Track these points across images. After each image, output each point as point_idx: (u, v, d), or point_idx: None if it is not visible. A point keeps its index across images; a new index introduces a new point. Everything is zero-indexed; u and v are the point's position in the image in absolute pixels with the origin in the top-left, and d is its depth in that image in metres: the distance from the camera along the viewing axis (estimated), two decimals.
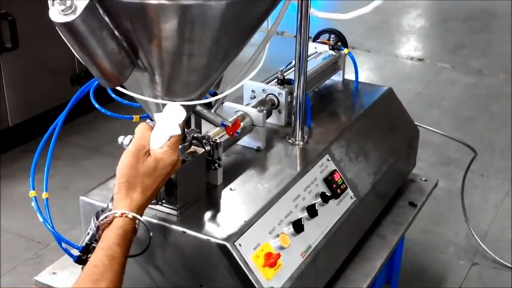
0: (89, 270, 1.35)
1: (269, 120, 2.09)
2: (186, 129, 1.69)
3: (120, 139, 1.64)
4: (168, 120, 1.47)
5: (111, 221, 1.41)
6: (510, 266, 3.10)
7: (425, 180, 2.55)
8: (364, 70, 5.28)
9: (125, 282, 1.74)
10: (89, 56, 1.33)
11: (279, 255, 1.63)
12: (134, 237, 1.45)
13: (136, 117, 1.84)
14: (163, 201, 1.64)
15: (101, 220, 1.43)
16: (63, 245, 1.58)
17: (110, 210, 1.46)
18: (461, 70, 5.45)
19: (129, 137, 1.64)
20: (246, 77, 1.68)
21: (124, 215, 1.41)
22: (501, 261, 3.12)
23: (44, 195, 1.63)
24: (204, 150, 1.70)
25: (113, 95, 1.73)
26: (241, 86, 2.06)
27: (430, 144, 3.98)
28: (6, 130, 3.89)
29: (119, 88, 1.48)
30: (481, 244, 3.19)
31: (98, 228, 1.46)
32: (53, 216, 1.65)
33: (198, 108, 1.72)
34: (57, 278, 1.90)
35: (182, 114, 1.48)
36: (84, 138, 4.16)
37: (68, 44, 1.33)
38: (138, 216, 1.44)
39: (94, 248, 1.51)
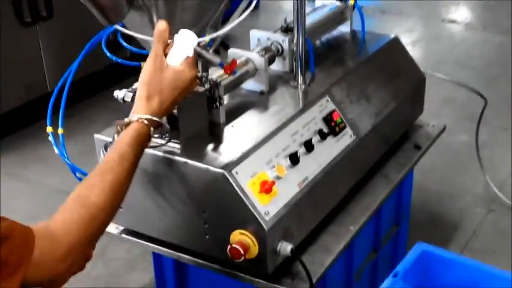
0: (99, 165, 1.43)
1: (274, 67, 2.20)
2: None
3: (116, 93, 1.77)
4: (184, 42, 1.59)
5: (128, 124, 1.50)
6: None
7: (433, 125, 2.62)
8: (395, 33, 5.30)
9: (136, 212, 1.92)
10: None
11: (273, 182, 1.75)
12: (148, 143, 1.54)
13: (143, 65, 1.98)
14: (167, 135, 1.78)
15: (119, 120, 1.51)
16: (78, 174, 1.74)
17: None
18: (492, 31, 5.44)
19: (124, 90, 1.77)
20: (241, 16, 1.79)
21: (140, 120, 1.50)
22: None
23: (60, 131, 1.79)
24: (204, 88, 1.83)
25: (123, 43, 1.88)
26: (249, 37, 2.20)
27: (455, 100, 4.02)
28: (45, 95, 4.09)
29: (118, 27, 1.62)
30: (498, 193, 3.26)
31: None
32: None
33: (197, 48, 1.85)
34: None
35: (195, 39, 1.60)
36: (121, 104, 4.33)
37: None
38: (155, 118, 1.51)
39: None
